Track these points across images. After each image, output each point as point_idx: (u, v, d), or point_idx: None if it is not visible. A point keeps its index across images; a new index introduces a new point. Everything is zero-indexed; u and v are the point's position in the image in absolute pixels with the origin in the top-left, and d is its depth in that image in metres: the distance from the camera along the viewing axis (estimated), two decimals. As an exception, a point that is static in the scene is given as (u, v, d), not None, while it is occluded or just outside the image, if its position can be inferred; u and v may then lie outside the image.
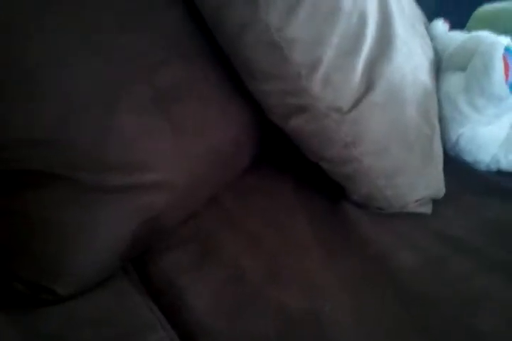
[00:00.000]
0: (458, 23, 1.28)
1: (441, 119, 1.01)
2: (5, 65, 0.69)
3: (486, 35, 1.05)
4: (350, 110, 0.85)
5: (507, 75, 0.96)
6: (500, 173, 1.04)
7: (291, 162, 1.03)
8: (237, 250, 0.86)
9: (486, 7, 1.31)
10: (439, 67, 1.08)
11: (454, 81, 1.03)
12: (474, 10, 1.33)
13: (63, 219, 0.75)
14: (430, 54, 1.06)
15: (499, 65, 0.95)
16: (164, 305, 0.79)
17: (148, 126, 0.79)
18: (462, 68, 1.03)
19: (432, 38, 1.13)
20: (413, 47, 0.98)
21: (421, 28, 1.10)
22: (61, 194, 0.74)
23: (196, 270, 0.83)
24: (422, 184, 0.93)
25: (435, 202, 0.96)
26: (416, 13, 1.14)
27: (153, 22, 0.81)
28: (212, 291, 0.80)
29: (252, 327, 0.75)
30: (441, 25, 1.18)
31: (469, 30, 1.15)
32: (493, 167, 1.04)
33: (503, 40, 0.99)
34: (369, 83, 0.86)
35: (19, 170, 0.73)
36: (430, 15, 1.25)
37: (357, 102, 0.85)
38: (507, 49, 0.98)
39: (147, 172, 0.79)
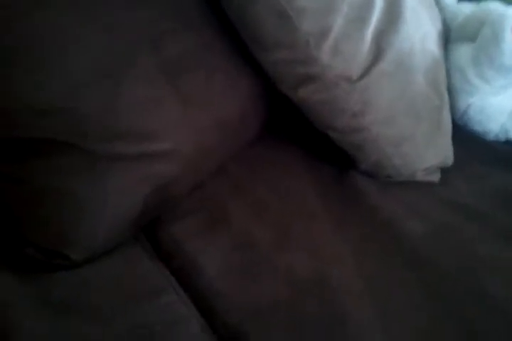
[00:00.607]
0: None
1: (450, 89, 1.01)
2: (15, 32, 0.70)
3: (496, 6, 1.05)
4: (359, 79, 0.85)
5: (516, 45, 0.96)
6: (508, 143, 1.05)
7: (298, 132, 1.04)
8: (245, 218, 0.87)
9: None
10: (447, 37, 1.08)
11: (463, 51, 1.03)
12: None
13: (74, 187, 0.76)
14: (438, 24, 1.06)
15: (509, 36, 0.95)
16: (175, 269, 0.81)
17: (156, 95, 0.80)
18: (471, 39, 1.03)
19: (441, 8, 1.12)
20: (421, 16, 0.98)
21: (429, -2, 1.09)
22: (71, 162, 0.75)
23: (206, 236, 0.84)
24: (430, 152, 0.93)
25: (443, 170, 0.96)
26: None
27: None
28: (222, 256, 0.81)
29: (262, 291, 0.77)
30: (450, -4, 1.17)
31: (479, 2, 1.15)
32: (502, 136, 1.05)
33: (513, 11, 0.99)
34: (378, 52, 0.86)
35: (30, 137, 0.74)
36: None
37: (366, 71, 0.86)
38: (517, 20, 0.97)
39: (155, 141, 0.80)
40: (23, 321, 0.68)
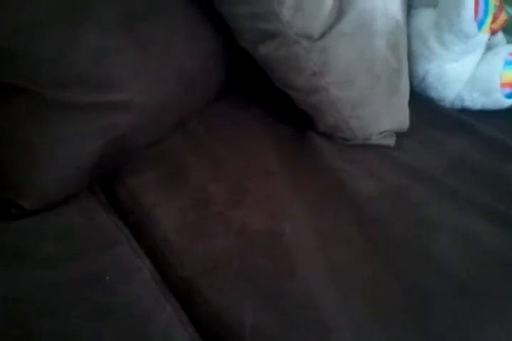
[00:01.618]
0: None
1: (409, 55, 1.02)
2: None
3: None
4: (319, 38, 0.85)
5: (476, 12, 0.97)
6: (463, 111, 1.07)
7: (260, 91, 1.04)
8: (202, 174, 0.88)
9: None
10: (410, 2, 1.08)
11: (424, 17, 1.04)
12: None
13: (28, 133, 0.75)
14: (402, -12, 1.06)
15: (470, 2, 0.96)
16: (131, 223, 0.81)
17: (114, 42, 0.78)
18: (433, 4, 1.03)
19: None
20: (385, -21, 0.98)
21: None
22: (27, 108, 0.74)
23: (163, 191, 0.85)
24: (386, 116, 0.95)
25: (399, 135, 0.98)
26: None
27: None
28: (177, 211, 0.82)
29: (215, 246, 0.78)
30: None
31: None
32: (457, 104, 1.07)
33: (475, -24, 1.00)
34: (340, 12, 0.86)
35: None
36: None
37: (327, 30, 0.86)
38: (478, -14, 0.98)
39: (112, 91, 0.79)
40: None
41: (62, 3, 0.73)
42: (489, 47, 1.07)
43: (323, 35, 0.85)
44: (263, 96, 1.03)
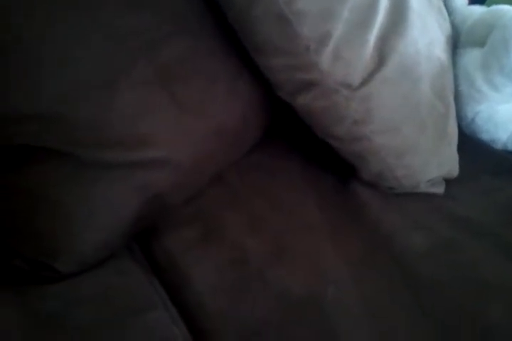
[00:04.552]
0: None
1: (457, 97, 0.98)
2: (6, 41, 0.67)
3: (506, 8, 1.01)
4: (360, 86, 0.82)
5: (528, 51, 0.92)
6: (517, 152, 1.01)
7: (300, 139, 1.00)
8: (241, 230, 0.84)
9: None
10: (456, 42, 1.04)
11: (472, 57, 0.99)
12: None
13: (64, 195, 0.73)
14: (447, 29, 1.02)
15: (520, 40, 0.91)
16: (167, 283, 0.78)
17: (150, 102, 0.77)
18: (481, 43, 0.99)
19: (450, 11, 1.09)
20: (428, 21, 0.94)
21: (438, 2, 1.05)
22: (63, 170, 0.73)
23: (200, 250, 0.81)
24: (434, 163, 0.90)
25: (448, 182, 0.93)
26: (433, -14, 1.09)
27: None
28: (214, 272, 0.78)
29: (253, 310, 0.73)
30: (460, -2, 1.13)
31: (489, 5, 1.11)
32: (510, 146, 1.01)
33: (525, 15, 0.95)
34: (381, 58, 0.83)
35: (21, 145, 0.71)
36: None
37: (368, 78, 0.82)
38: (528, 24, 0.93)
39: (149, 149, 0.77)
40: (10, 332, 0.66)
41: (102, 66, 0.72)
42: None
43: (364, 82, 0.82)
44: (302, 143, 1.00)
